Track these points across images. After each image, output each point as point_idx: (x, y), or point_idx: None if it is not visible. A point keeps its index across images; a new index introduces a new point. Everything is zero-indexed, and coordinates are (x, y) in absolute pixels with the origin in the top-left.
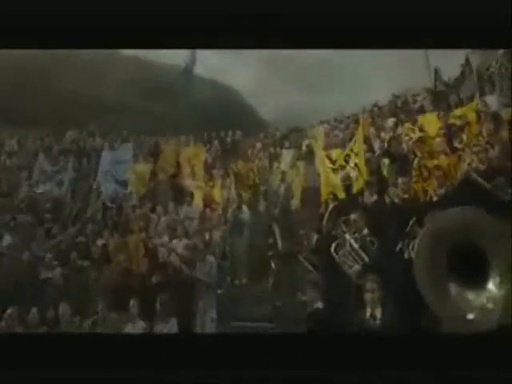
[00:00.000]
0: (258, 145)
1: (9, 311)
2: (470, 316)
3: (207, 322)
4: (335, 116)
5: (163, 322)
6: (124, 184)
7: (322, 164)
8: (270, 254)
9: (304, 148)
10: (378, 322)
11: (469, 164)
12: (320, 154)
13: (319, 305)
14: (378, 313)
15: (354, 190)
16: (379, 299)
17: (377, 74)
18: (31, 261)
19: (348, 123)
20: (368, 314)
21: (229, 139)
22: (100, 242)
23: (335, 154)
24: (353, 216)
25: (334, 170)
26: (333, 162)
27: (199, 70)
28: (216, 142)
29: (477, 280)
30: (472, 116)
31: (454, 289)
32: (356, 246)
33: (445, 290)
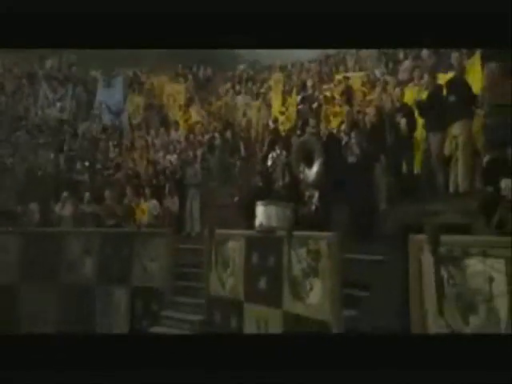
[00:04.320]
0: (228, 85)
1: (64, 195)
2: None
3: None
4: (295, 61)
5: (170, 200)
6: (118, 114)
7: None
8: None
9: (263, 90)
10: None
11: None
12: (275, 97)
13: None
14: None
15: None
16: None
17: None
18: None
19: (300, 71)
20: None
21: (201, 75)
22: (111, 155)
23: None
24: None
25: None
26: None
27: None
28: (190, 77)
29: None
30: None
31: None
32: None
33: None
